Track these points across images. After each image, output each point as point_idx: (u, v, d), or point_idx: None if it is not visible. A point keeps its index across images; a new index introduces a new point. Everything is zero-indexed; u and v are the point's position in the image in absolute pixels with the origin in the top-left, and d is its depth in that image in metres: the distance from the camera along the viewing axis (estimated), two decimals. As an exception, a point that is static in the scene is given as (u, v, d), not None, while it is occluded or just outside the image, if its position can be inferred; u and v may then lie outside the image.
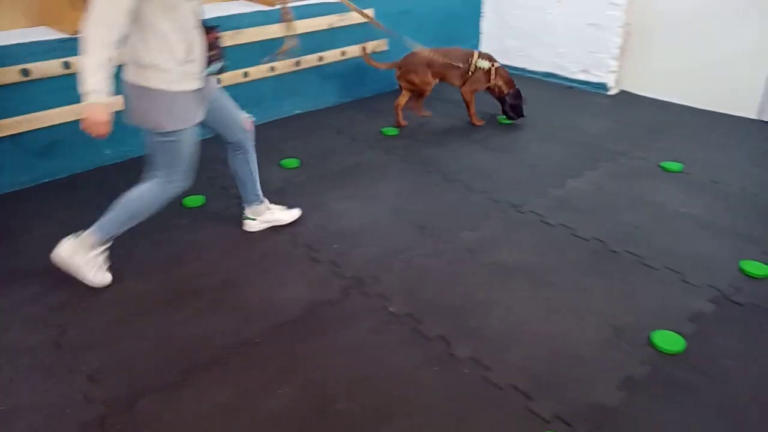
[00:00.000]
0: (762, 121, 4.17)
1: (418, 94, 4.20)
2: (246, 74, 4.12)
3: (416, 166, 3.66)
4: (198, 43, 2.28)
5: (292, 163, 3.68)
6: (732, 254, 2.69)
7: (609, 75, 4.78)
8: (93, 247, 2.52)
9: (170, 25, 2.16)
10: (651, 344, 2.18)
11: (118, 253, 2.86)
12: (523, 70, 5.32)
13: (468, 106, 4.24)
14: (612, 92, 4.84)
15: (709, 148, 3.79)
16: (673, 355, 2.14)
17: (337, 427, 1.92)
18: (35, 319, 2.40)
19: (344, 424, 1.92)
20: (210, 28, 2.38)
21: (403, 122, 4.26)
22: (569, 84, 5.06)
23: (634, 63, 4.73)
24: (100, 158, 3.69)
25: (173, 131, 2.34)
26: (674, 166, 3.50)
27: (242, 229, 3.00)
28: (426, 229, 2.98)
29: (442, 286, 2.57)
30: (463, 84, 4.13)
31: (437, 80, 4.12)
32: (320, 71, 4.54)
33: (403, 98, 4.23)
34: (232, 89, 4.11)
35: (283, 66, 4.27)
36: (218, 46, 2.42)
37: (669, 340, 2.17)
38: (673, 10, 4.41)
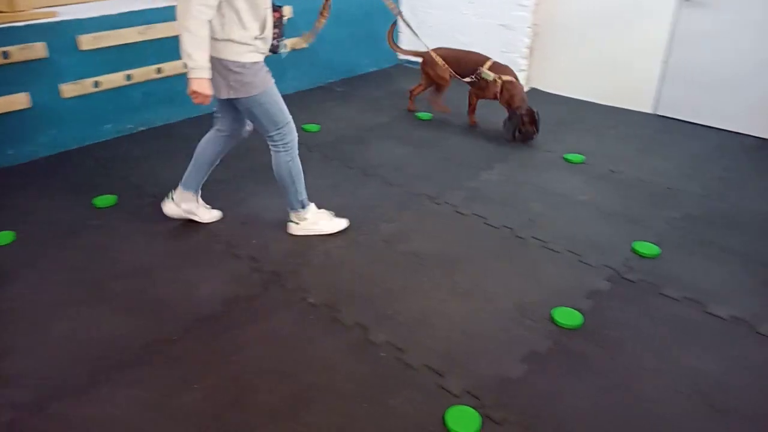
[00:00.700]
0: (657, 115, 4.53)
1: (436, 87, 4.34)
2: (159, 70, 4.03)
3: (336, 162, 3.72)
4: (269, 21, 2.48)
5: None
6: (626, 237, 2.92)
7: (520, 74, 5.03)
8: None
9: (246, 4, 2.36)
10: (552, 320, 2.35)
11: (28, 255, 2.76)
12: (440, 68, 5.49)
13: (469, 106, 4.31)
14: (523, 90, 5.09)
15: (609, 141, 4.07)
16: (571, 330, 2.31)
17: (255, 417, 1.95)
18: (-69, 328, 2.28)
19: (262, 414, 1.96)
20: (276, 7, 2.56)
21: (413, 107, 4.56)
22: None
23: (542, 62, 5.00)
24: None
25: (257, 94, 2.53)
26: (577, 157, 3.75)
27: (156, 228, 2.96)
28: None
29: (359, 277, 2.65)
30: (471, 86, 4.20)
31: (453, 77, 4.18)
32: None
33: (419, 87, 4.49)
34: (145, 86, 4.03)
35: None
36: (281, 25, 2.60)
37: (568, 316, 2.34)
38: (576, 11, 4.70)
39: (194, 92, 2.37)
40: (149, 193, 3.28)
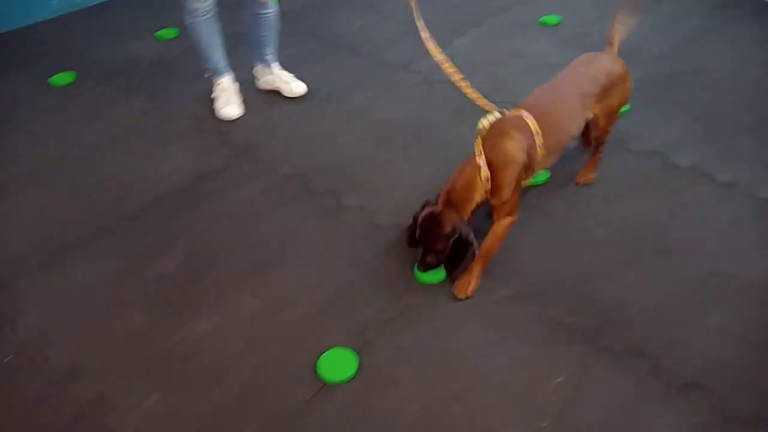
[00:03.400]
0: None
1: None
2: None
3: (303, 31, 3.56)
4: None
5: (170, 33, 3.46)
6: (596, 97, 2.90)
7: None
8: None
9: None
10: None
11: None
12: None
13: None
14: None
15: (586, 2, 3.92)
16: (536, 187, 2.37)
17: (226, 279, 2.01)
18: None
19: (233, 277, 2.02)
20: None
21: None
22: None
23: None
24: None
25: None
26: (552, 19, 3.62)
27: (117, 106, 2.87)
28: (316, 91, 2.97)
29: (330, 146, 2.63)
30: None
31: None
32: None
33: None
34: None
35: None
36: None
37: (537, 175, 2.38)
38: None
39: None
40: (107, 70, 3.14)
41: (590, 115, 2.16)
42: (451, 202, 1.88)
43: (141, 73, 3.13)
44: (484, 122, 2.02)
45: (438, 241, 1.86)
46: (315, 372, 1.71)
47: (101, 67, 3.17)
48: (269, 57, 2.85)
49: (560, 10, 3.74)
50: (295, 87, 2.89)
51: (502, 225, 1.95)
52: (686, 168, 2.45)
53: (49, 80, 3.04)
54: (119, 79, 3.07)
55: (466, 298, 1.91)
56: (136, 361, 1.75)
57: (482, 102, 2.12)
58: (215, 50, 2.68)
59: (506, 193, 1.89)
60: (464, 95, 2.13)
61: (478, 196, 1.90)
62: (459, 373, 1.72)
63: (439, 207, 1.89)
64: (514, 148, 1.88)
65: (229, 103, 2.78)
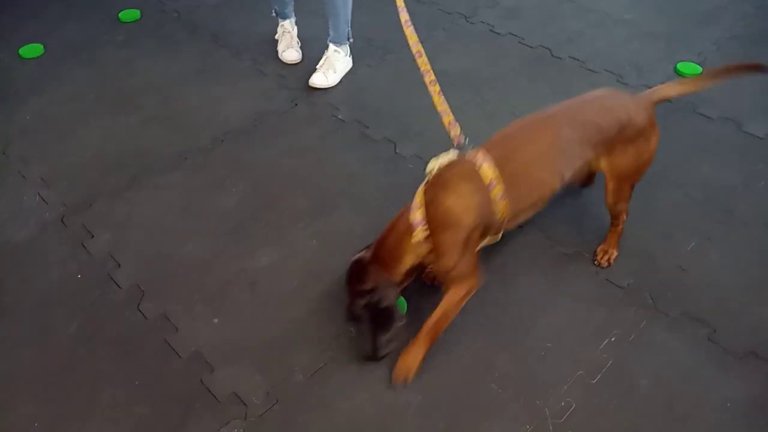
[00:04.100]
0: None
1: None
2: None
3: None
4: None
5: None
6: (669, 57, 2.76)
7: None
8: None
9: None
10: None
11: (57, 67, 2.78)
12: None
13: None
14: None
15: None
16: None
17: (286, 217, 2.05)
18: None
19: (293, 215, 2.06)
20: None
21: None
22: None
23: None
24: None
25: None
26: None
27: (180, 45, 2.91)
28: (373, 41, 2.94)
29: (388, 95, 2.61)
30: None
31: None
32: None
33: None
34: None
35: None
36: None
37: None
38: None
39: None
40: (171, 8, 3.17)
41: (582, 165, 1.62)
42: (379, 257, 1.54)
43: (206, 13, 3.15)
44: (435, 164, 1.58)
45: (357, 296, 1.55)
46: (367, 312, 1.74)
47: (165, 5, 3.20)
48: (330, 32, 2.64)
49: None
50: (315, 77, 2.63)
51: (451, 296, 1.54)
52: (761, 138, 2.32)
53: (119, 15, 3.10)
54: (185, 17, 3.10)
55: (405, 383, 1.55)
56: (197, 288, 1.82)
57: (447, 119, 1.65)
58: None
59: (450, 259, 1.49)
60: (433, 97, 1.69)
61: (411, 259, 1.54)
62: (512, 323, 1.72)
63: (367, 257, 1.56)
64: (457, 207, 1.49)
65: (290, 47, 2.77)
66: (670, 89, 1.73)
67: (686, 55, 2.76)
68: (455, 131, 1.62)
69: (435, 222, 1.49)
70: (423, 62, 1.71)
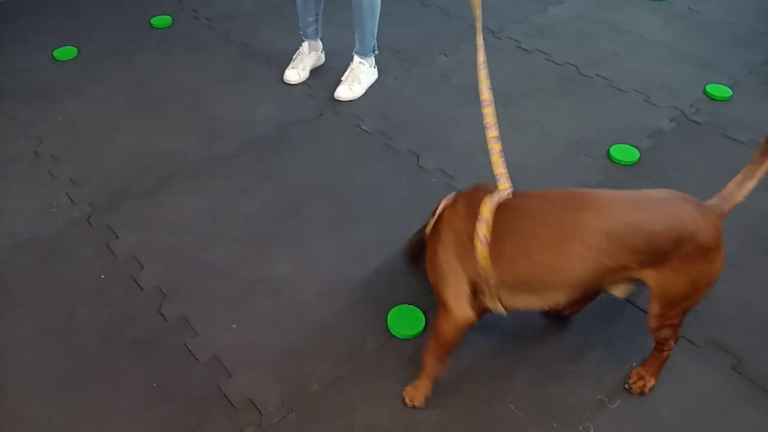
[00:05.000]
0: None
1: None
2: None
3: (394, -8, 3.52)
4: None
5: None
6: (699, 79, 2.73)
7: None
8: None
9: None
10: (608, 156, 2.30)
11: (91, 70, 2.84)
12: None
13: None
14: None
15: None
16: (627, 166, 2.27)
17: (309, 225, 2.06)
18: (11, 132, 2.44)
19: (315, 224, 2.07)
20: None
21: None
22: None
23: None
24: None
25: None
26: (658, -6, 3.42)
27: (210, 51, 2.96)
28: (401, 53, 2.96)
29: (413, 107, 2.62)
30: None
31: None
32: None
33: None
34: None
35: None
36: None
37: (625, 153, 2.29)
38: None
39: None
40: (203, 16, 3.23)
41: (609, 272, 1.32)
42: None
43: (238, 22, 3.20)
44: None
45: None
46: (385, 324, 1.74)
47: (198, 13, 3.26)
48: (356, 43, 2.67)
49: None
50: (340, 90, 2.66)
51: (436, 320, 1.47)
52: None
53: (151, 21, 3.16)
54: (216, 25, 3.16)
55: (413, 407, 1.56)
56: (218, 293, 1.83)
57: (501, 173, 1.48)
58: (308, 14, 2.68)
59: (430, 271, 1.46)
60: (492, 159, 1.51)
61: None
62: (532, 343, 1.70)
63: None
64: (445, 218, 1.45)
65: (293, 68, 2.77)
66: (739, 190, 1.39)
67: (717, 78, 2.73)
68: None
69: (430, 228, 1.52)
70: (489, 113, 1.52)
